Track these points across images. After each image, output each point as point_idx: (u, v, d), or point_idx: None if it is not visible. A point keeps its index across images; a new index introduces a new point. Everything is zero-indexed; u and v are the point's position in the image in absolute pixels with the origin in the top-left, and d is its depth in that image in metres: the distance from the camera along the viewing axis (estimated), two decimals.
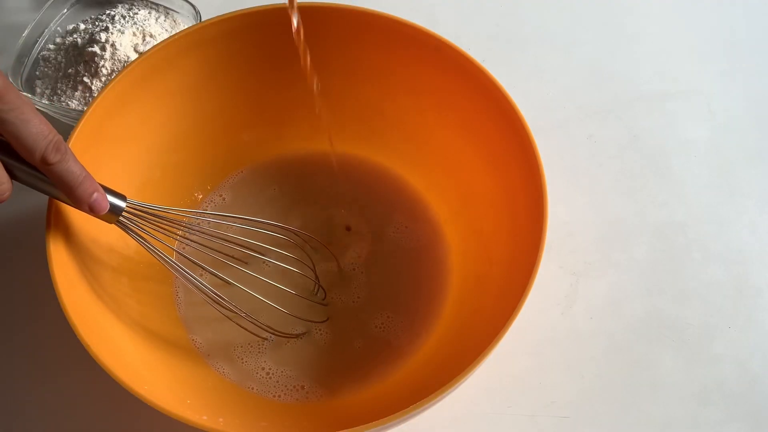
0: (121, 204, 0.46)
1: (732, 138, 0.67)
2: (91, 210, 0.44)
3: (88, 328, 0.42)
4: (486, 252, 0.55)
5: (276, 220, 0.56)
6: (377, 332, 0.56)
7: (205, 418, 0.43)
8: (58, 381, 0.54)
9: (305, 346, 0.55)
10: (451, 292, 0.57)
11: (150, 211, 0.48)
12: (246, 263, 0.55)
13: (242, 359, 0.54)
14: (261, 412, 0.52)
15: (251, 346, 0.55)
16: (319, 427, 0.52)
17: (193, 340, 0.55)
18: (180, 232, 0.53)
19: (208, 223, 0.57)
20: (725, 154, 0.66)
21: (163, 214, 0.48)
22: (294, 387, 0.53)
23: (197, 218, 0.57)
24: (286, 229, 0.55)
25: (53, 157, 0.40)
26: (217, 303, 0.51)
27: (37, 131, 0.40)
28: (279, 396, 0.53)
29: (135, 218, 0.47)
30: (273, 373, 0.54)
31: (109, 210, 0.45)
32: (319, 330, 0.56)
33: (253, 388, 0.53)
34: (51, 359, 0.54)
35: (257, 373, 0.54)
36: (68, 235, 0.47)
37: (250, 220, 0.55)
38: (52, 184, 0.43)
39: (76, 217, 0.48)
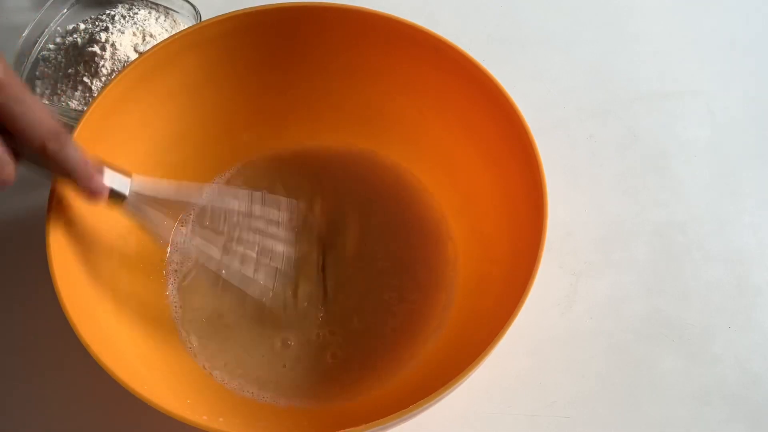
0: (124, 191, 0.46)
1: (732, 138, 0.67)
2: (89, 198, 0.44)
3: (88, 328, 0.42)
4: (486, 252, 0.55)
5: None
6: (378, 335, 0.56)
7: (205, 418, 0.43)
8: (57, 381, 0.54)
9: (305, 351, 0.55)
10: (452, 293, 0.57)
11: (155, 197, 0.48)
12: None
13: (240, 365, 0.54)
14: (260, 413, 0.52)
15: (250, 354, 0.55)
16: (319, 427, 0.52)
17: (189, 344, 0.55)
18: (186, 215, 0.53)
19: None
20: (725, 154, 0.66)
21: (170, 196, 0.49)
22: (294, 394, 0.53)
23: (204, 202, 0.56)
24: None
25: (51, 146, 0.41)
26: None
27: (36, 121, 0.40)
28: (278, 401, 0.53)
29: (142, 203, 0.47)
30: (273, 380, 0.54)
31: (111, 196, 0.45)
32: (319, 333, 0.56)
33: (252, 393, 0.53)
34: (51, 359, 0.54)
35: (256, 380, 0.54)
36: (68, 234, 0.47)
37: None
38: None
39: (76, 216, 0.48)
